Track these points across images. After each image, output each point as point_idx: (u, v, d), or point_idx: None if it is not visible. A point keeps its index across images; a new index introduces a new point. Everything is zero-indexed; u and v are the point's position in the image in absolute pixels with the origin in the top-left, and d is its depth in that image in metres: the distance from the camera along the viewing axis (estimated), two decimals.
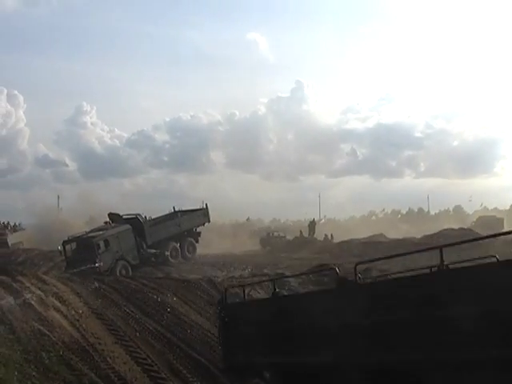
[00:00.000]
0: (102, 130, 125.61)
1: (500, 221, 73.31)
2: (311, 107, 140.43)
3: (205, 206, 46.42)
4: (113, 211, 41.49)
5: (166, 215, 44.46)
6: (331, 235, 63.02)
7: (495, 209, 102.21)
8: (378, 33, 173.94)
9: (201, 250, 46.12)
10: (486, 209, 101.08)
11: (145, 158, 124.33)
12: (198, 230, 45.80)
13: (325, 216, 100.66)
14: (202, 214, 45.74)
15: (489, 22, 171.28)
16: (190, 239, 44.23)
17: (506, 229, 62.20)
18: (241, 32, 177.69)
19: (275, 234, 66.97)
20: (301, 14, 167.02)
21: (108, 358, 15.28)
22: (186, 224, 44.00)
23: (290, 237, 65.52)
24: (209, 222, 46.49)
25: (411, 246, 46.31)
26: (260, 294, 21.43)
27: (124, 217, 40.19)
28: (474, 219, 78.66)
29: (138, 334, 17.54)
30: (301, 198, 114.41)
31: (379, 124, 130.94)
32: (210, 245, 52.47)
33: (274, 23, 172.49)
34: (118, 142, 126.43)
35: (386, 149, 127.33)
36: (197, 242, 44.94)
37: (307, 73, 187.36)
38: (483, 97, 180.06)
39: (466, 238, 47.74)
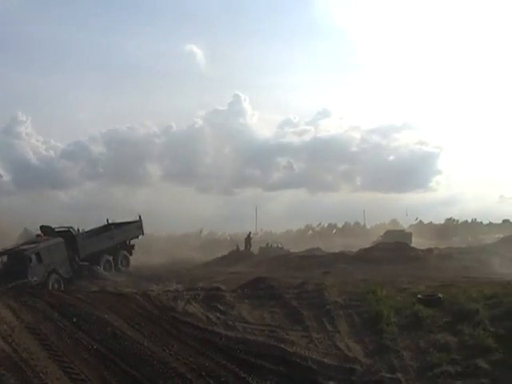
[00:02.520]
0: (37, 141, 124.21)
1: (408, 235, 74.29)
2: (248, 120, 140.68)
3: (138, 219, 46.02)
4: (47, 223, 41.04)
5: (100, 228, 44.05)
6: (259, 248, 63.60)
7: (430, 223, 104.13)
8: (314, 47, 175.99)
9: (136, 262, 45.85)
10: (421, 223, 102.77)
11: (81, 169, 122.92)
12: (133, 242, 45.52)
13: (261, 229, 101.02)
14: (135, 227, 45.47)
15: (429, 42, 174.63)
16: (123, 252, 43.99)
17: (413, 243, 63.35)
18: (178, 43, 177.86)
19: (274, 245, 68.16)
20: (238, 27, 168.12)
21: (41, 374, 14.99)
22: (120, 237, 43.73)
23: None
24: (143, 234, 46.26)
25: (347, 260, 46.87)
26: (195, 307, 21.48)
27: (56, 229, 39.82)
28: (382, 233, 79.57)
29: (71, 348, 17.31)
30: (238, 211, 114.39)
31: (316, 138, 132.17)
32: (146, 258, 52.20)
33: (210, 35, 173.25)
34: (53, 153, 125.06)
35: (323, 163, 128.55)
36: (130, 254, 44.75)
37: (245, 86, 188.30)
38: (419, 112, 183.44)
39: (401, 251, 48.91)
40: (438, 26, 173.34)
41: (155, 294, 24.85)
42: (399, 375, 14.51)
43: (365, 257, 48.23)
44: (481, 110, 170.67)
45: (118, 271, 42.32)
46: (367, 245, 59.58)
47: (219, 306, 21.95)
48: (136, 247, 46.38)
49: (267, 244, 68.74)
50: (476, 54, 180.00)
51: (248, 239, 66.95)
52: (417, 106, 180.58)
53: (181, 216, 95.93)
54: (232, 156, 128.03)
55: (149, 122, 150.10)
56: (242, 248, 64.46)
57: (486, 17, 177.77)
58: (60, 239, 38.10)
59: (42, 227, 40.21)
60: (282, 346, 17.04)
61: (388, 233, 77.10)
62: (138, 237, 45.87)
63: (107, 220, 44.56)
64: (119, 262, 43.05)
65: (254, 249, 65.63)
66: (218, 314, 20.97)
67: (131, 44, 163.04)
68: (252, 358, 15.88)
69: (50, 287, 33.86)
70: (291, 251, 61.69)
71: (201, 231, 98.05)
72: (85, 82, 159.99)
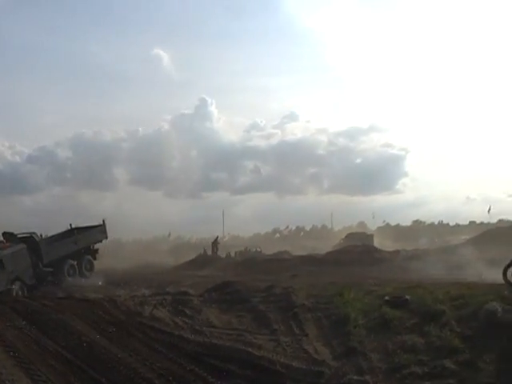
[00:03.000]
0: (3, 146, 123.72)
1: (370, 237, 75.14)
2: (215, 124, 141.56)
3: (102, 223, 45.71)
4: (13, 229, 40.55)
5: (63, 233, 43.72)
6: (235, 252, 63.58)
7: (397, 225, 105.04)
8: (282, 50, 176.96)
9: (104, 267, 45.59)
10: (388, 225, 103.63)
11: (47, 174, 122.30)
12: (97, 246, 45.27)
13: (229, 233, 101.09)
14: (99, 231, 45.12)
15: (395, 46, 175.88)
16: (87, 257, 43.69)
17: (380, 245, 64.05)
18: (144, 47, 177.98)
19: (252, 249, 69.52)
20: (205, 31, 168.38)
21: (7, 382, 14.86)
22: (83, 241, 43.39)
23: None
24: (106, 238, 45.91)
25: (315, 262, 47.05)
26: (162, 312, 21.44)
27: (18, 236, 39.35)
28: (343, 236, 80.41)
29: (38, 355, 17.18)
30: (205, 215, 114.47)
31: (283, 141, 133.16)
32: (114, 263, 51.97)
33: (177, 39, 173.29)
34: (18, 157, 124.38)
35: (290, 166, 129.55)
36: (95, 259, 44.40)
37: (211, 90, 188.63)
38: (385, 115, 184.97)
39: (369, 253, 49.29)
40: (404, 30, 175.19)
41: (122, 300, 24.76)
42: (367, 377, 14.58)
43: (332, 259, 48.57)
44: (446, 113, 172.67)
45: (83, 276, 42.05)
46: (335, 248, 60.06)
47: (186, 311, 21.91)
48: (104, 252, 46.20)
49: (246, 248, 69.45)
50: (441, 58, 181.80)
51: (215, 243, 66.98)
52: (383, 109, 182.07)
53: (149, 220, 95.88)
54: (199, 160, 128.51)
55: (115, 127, 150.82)
56: (209, 252, 64.50)
57: (453, 21, 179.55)
58: (23, 245, 37.67)
59: (3, 234, 39.77)
60: (250, 349, 17.05)
61: (350, 235, 77.97)
62: (101, 241, 45.56)
63: (70, 225, 44.20)
64: (83, 267, 42.71)
65: (222, 253, 65.70)
66: (186, 319, 20.93)
67: (97, 48, 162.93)
68: (220, 363, 15.89)
69: (14, 294, 33.49)
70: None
71: (169, 235, 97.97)
72: (51, 87, 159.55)
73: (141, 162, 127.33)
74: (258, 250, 69.65)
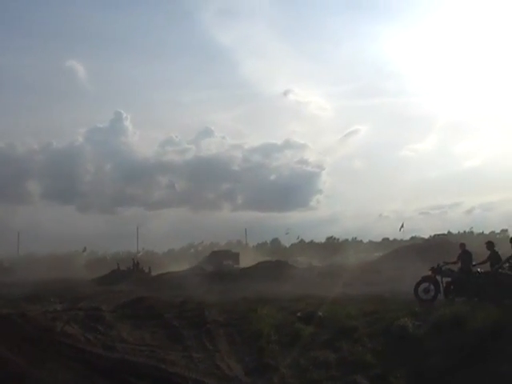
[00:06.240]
0: None
1: (235, 255, 76.36)
2: (130, 139, 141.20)
3: None
4: None
5: None
6: (149, 268, 63.29)
7: (312, 241, 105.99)
8: (196, 67, 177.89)
9: (15, 282, 44.74)
10: (302, 242, 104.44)
11: None
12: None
13: (143, 248, 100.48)
14: None
15: (306, 62, 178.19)
16: None
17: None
18: (58, 58, 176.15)
19: (224, 262, 70.29)
20: (120, 44, 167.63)
21: None
22: None
23: None
24: None
25: (228, 278, 47.23)
26: (74, 328, 21.12)
27: None
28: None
29: None
30: (119, 230, 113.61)
31: (197, 157, 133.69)
32: (27, 276, 51.17)
33: (92, 52, 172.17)
34: None
35: (205, 181, 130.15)
36: None
37: (127, 103, 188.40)
38: (299, 131, 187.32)
39: (282, 269, 49.63)
40: (314, 50, 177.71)
41: (33, 315, 24.32)
42: None
43: (246, 275, 48.79)
44: (360, 129, 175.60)
45: None
46: (249, 264, 60.34)
47: (98, 327, 21.62)
48: (15, 266, 45.48)
49: (219, 261, 69.83)
50: (349, 71, 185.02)
51: (137, 263, 66.33)
52: (298, 125, 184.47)
53: (62, 235, 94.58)
54: (113, 174, 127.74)
55: (28, 139, 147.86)
56: (122, 267, 64.02)
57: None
58: None
59: None
60: (163, 366, 16.92)
61: (214, 253, 78.83)
62: None
63: None
64: None
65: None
66: (98, 335, 20.66)
67: (11, 58, 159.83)
68: (132, 379, 15.74)
69: None
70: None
71: (84, 250, 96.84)
72: None
73: (54, 176, 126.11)
74: (231, 263, 70.30)
